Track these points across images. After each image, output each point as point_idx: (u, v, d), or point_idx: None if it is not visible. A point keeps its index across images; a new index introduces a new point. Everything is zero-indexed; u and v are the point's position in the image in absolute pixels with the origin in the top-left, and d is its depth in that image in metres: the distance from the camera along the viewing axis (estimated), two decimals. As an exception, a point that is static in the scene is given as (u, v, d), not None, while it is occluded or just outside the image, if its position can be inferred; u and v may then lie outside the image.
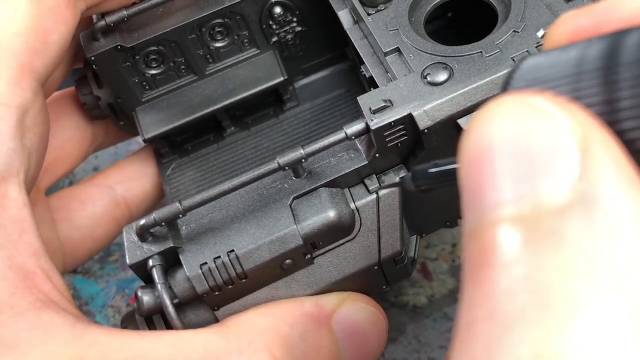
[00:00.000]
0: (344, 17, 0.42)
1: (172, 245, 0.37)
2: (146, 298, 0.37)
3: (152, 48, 0.45)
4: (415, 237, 0.42)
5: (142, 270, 0.37)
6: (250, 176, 0.36)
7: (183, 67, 0.47)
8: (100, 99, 0.47)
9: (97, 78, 0.47)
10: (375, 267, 0.39)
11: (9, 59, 0.38)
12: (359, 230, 0.38)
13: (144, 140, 0.47)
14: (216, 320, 0.38)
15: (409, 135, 0.37)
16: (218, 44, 0.46)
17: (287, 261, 0.37)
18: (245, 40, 0.47)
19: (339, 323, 0.39)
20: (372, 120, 0.36)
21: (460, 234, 0.46)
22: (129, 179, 0.50)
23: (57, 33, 0.40)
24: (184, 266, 0.36)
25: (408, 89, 0.36)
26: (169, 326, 0.38)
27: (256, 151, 0.48)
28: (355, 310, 0.39)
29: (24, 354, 0.34)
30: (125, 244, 0.37)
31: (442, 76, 0.36)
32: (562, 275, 0.17)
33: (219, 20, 0.45)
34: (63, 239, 0.47)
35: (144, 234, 0.37)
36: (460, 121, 0.36)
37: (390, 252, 0.39)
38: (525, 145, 0.19)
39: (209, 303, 0.37)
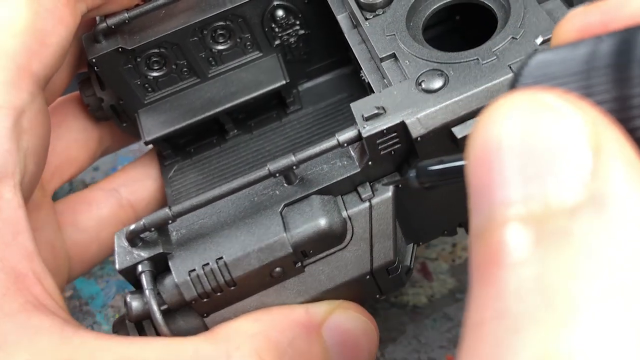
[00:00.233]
0: (343, 21, 0.42)
1: (161, 251, 0.36)
2: (135, 304, 0.36)
3: (154, 50, 0.45)
4: (412, 246, 0.41)
5: (131, 276, 0.37)
6: (241, 182, 0.36)
7: (185, 69, 0.46)
8: (103, 100, 0.47)
9: (100, 80, 0.47)
10: (368, 277, 0.38)
11: (6, 60, 0.38)
12: (351, 239, 0.38)
13: (145, 143, 0.47)
14: (205, 327, 0.38)
15: (403, 143, 0.36)
16: (220, 47, 0.46)
17: (277, 269, 0.37)
18: (248, 43, 0.46)
19: (329, 331, 0.38)
20: (364, 127, 0.35)
21: (460, 235, 0.46)
22: (133, 182, 0.50)
23: (56, 34, 0.40)
24: (173, 272, 0.36)
25: (402, 96, 0.36)
26: (158, 332, 0.37)
27: (258, 155, 0.48)
28: (347, 319, 0.39)
29: (11, 355, 0.34)
30: (116, 249, 0.37)
31: (437, 83, 0.36)
32: (574, 277, 0.17)
33: (221, 23, 0.45)
34: (69, 243, 0.47)
35: (134, 239, 0.36)
36: (455, 130, 0.35)
37: (383, 262, 0.38)
38: (535, 143, 0.18)
39: (198, 310, 0.37)
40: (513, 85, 0.22)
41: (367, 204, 0.38)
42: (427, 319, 0.50)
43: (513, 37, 0.36)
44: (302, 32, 0.47)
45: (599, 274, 0.17)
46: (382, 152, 0.36)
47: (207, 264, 0.36)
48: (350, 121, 0.47)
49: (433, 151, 0.36)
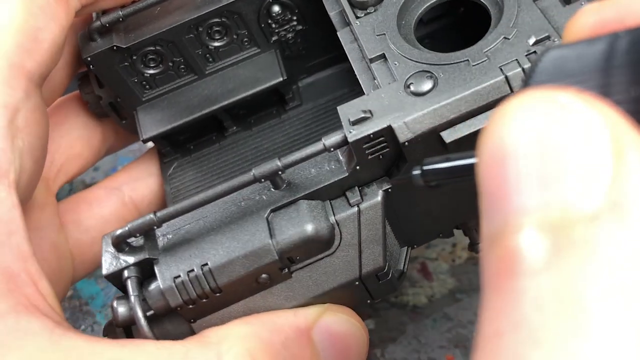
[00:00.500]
0: (336, 18, 0.41)
1: (147, 256, 0.36)
2: (121, 309, 0.36)
3: (150, 48, 0.44)
4: (406, 249, 0.41)
5: (117, 281, 0.37)
6: (226, 187, 0.35)
7: (182, 66, 0.46)
8: (101, 98, 0.47)
9: (98, 78, 0.47)
10: (357, 283, 0.38)
11: None
12: (339, 245, 0.37)
13: (143, 141, 0.46)
14: (193, 333, 0.38)
15: (391, 148, 0.35)
16: (217, 44, 0.45)
17: (263, 276, 0.36)
18: (245, 40, 0.46)
19: (319, 334, 0.38)
20: (350, 132, 0.34)
21: (460, 235, 0.45)
22: (135, 180, 0.50)
23: (49, 32, 0.40)
24: (158, 279, 0.36)
25: (390, 99, 0.35)
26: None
27: (256, 152, 0.47)
28: (336, 322, 0.38)
29: None
30: (102, 253, 0.37)
31: (425, 86, 0.35)
32: (594, 287, 0.16)
33: (217, 20, 0.44)
34: (72, 243, 0.47)
35: (120, 245, 0.36)
36: (444, 134, 0.34)
37: (372, 268, 0.37)
38: (552, 147, 0.18)
39: (185, 316, 0.37)
40: (526, 82, 0.21)
41: (355, 209, 0.37)
42: (427, 319, 0.50)
43: (505, 37, 0.35)
44: (299, 27, 0.46)
45: (621, 286, 0.16)
46: (369, 157, 0.35)
47: (192, 270, 0.36)
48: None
49: (422, 155, 0.35)
